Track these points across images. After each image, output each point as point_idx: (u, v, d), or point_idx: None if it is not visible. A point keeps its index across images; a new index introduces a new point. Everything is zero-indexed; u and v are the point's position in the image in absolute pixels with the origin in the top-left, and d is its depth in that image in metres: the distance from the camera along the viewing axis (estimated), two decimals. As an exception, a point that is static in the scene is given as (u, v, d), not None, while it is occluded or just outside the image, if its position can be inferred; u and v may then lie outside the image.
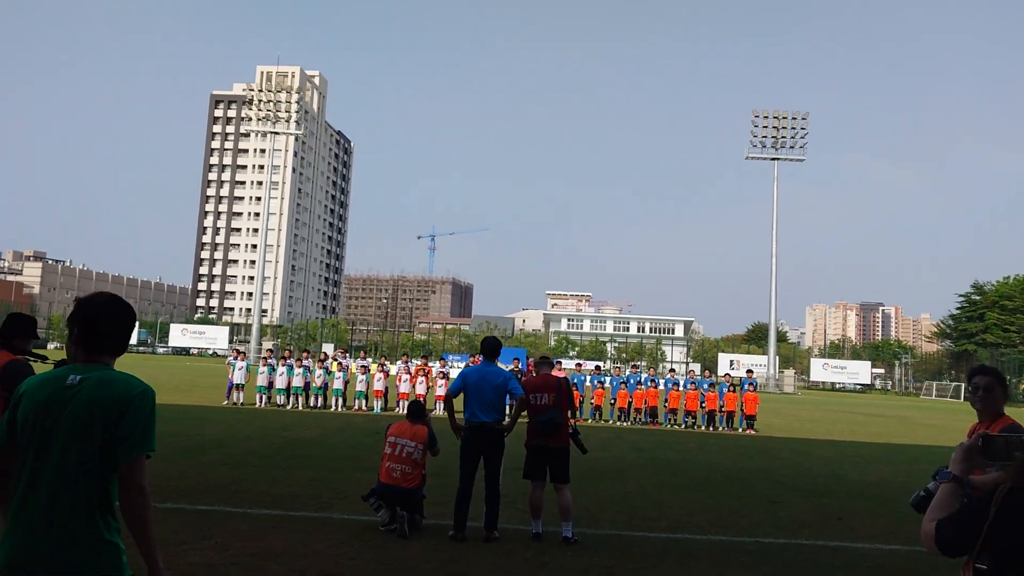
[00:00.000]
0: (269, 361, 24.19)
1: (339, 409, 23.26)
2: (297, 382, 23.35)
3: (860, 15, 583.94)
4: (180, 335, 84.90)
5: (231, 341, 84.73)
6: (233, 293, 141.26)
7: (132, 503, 2.69)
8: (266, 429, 16.60)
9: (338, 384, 23.59)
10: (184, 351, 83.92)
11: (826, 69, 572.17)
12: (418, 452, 8.13)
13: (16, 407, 2.80)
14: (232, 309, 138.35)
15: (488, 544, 7.51)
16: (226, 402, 23.29)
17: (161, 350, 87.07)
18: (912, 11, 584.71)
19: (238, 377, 23.55)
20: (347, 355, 27.77)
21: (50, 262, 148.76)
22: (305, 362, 23.94)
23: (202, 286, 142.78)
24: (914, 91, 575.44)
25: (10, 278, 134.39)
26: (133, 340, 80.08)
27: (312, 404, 23.60)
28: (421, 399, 23.79)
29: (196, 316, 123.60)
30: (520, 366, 22.23)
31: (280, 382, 23.46)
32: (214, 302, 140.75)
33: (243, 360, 23.93)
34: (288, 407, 23.04)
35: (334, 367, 24.14)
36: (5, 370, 4.39)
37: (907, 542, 8.55)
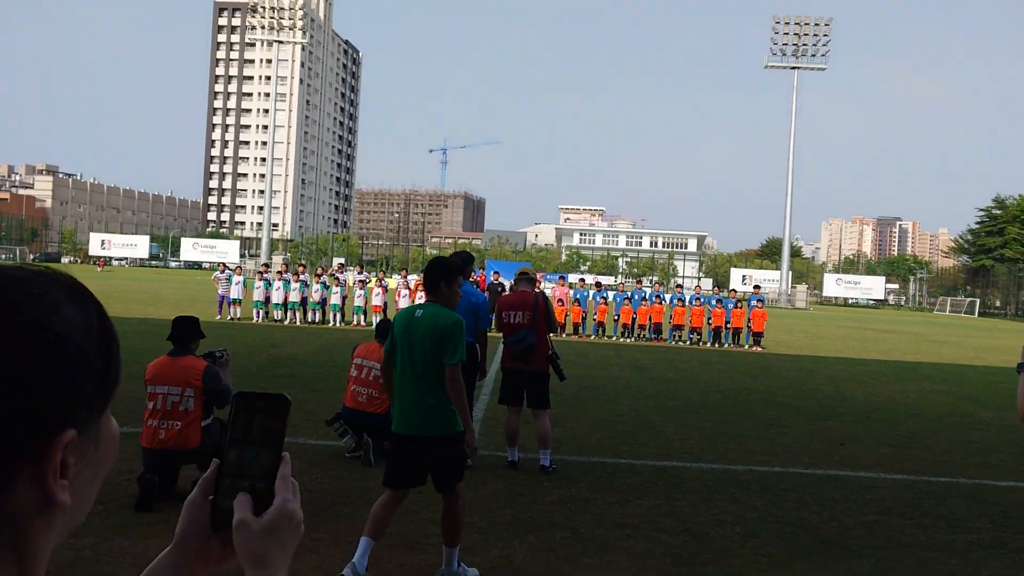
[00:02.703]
0: (265, 276, 23.67)
1: (337, 324, 22.87)
2: (294, 297, 22.91)
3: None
4: (191, 249, 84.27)
5: (242, 255, 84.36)
6: (244, 207, 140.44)
7: (452, 391, 4.38)
8: (253, 346, 16.14)
9: (335, 299, 23.11)
10: (196, 265, 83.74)
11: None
12: (385, 375, 7.55)
13: (392, 329, 4.55)
14: (243, 223, 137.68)
15: (459, 473, 7.00)
16: (218, 316, 22.92)
17: (173, 264, 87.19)
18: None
19: (235, 292, 23.12)
20: (344, 270, 27.24)
21: (61, 176, 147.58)
22: (302, 277, 23.45)
23: (212, 200, 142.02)
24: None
25: (22, 192, 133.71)
26: (144, 254, 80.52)
27: (310, 320, 23.22)
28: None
29: (207, 230, 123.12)
30: (500, 279, 21.66)
31: (277, 297, 23.02)
32: (225, 216, 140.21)
33: (239, 275, 23.46)
34: (286, 323, 22.67)
35: (331, 282, 23.64)
36: (206, 374, 5.91)
37: (912, 472, 7.97)
